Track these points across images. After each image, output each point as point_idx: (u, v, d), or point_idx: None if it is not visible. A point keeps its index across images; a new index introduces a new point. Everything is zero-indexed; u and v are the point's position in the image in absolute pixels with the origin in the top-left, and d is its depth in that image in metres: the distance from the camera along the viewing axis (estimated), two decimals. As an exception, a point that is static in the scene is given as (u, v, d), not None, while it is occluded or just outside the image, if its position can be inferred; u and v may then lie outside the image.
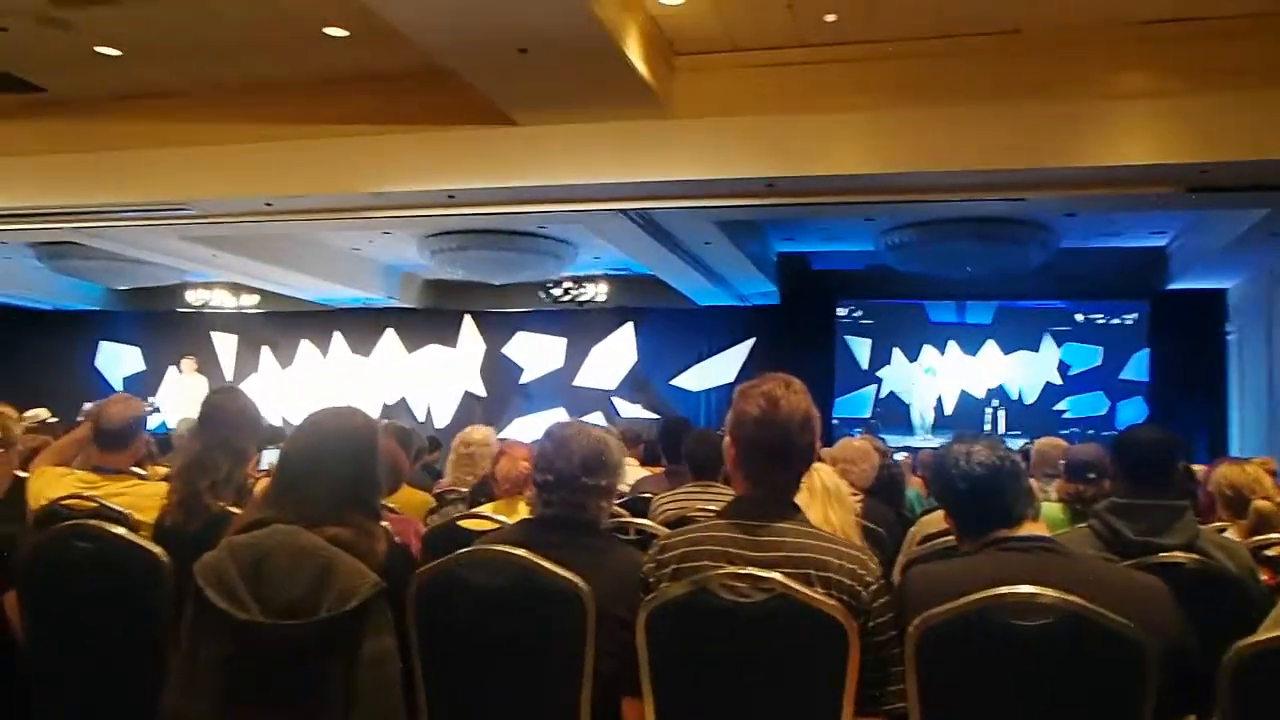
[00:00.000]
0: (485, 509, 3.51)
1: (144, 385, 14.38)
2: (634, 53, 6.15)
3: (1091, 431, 11.41)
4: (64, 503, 2.96)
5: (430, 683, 2.25)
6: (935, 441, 11.49)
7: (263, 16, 6.58)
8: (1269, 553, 3.14)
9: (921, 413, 12.87)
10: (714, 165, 7.06)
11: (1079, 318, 12.55)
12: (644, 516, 3.73)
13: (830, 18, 6.37)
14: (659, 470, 5.48)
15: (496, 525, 2.86)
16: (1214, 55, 6.20)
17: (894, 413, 12.92)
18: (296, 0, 6.34)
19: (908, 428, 12.82)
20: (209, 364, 14.26)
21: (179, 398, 12.38)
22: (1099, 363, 12.38)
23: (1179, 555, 2.70)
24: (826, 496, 3.02)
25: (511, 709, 2.23)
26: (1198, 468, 5.34)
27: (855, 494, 3.92)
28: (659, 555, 2.14)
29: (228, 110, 7.91)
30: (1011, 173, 6.74)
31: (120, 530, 2.59)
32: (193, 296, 14.36)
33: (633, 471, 5.66)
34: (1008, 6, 6.24)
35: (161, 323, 15.07)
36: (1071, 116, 6.46)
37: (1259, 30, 6.15)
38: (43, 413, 6.60)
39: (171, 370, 14.55)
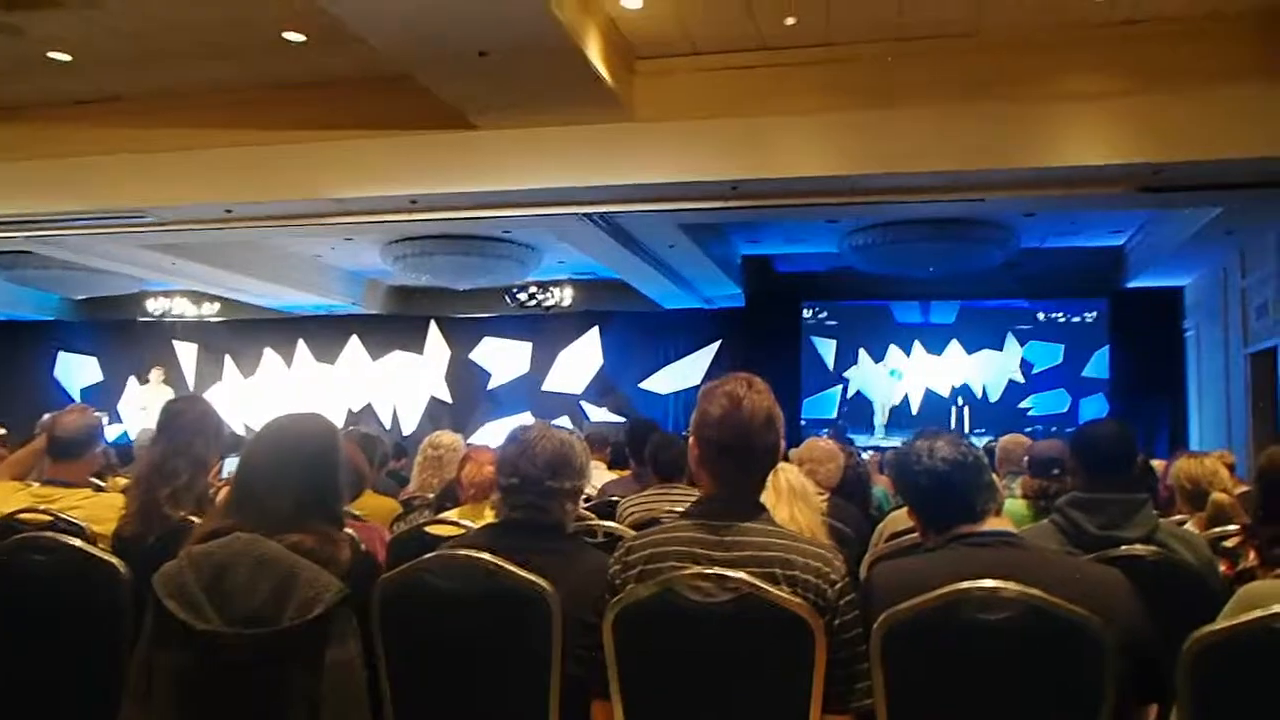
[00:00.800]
0: (451, 514, 3.49)
1: (103, 396, 14.17)
2: (595, 55, 6.15)
3: (1055, 429, 11.54)
4: (18, 517, 2.90)
5: (396, 689, 2.22)
6: (894, 441, 11.59)
7: (220, 21, 6.51)
8: (1227, 544, 3.18)
9: (878, 412, 12.98)
10: (677, 168, 7.07)
11: (1041, 316, 12.70)
12: (611, 519, 3.72)
13: (790, 21, 6.42)
14: (626, 473, 5.48)
15: (462, 530, 2.84)
16: (1166, 56, 6.31)
17: (861, 413, 13.00)
18: (254, 5, 6.28)
19: (875, 428, 12.93)
20: (171, 374, 14.07)
21: (146, 410, 12.19)
22: (1061, 361, 12.54)
23: (1139, 548, 2.74)
24: (792, 496, 3.02)
25: (479, 714, 2.21)
26: (1157, 463, 5.43)
27: (821, 493, 3.93)
28: (625, 557, 2.13)
29: (185, 116, 7.81)
30: (970, 174, 6.82)
31: (76, 542, 2.55)
32: (153, 305, 14.17)
33: (600, 474, 5.66)
34: (965, 10, 6.31)
35: (121, 332, 14.86)
36: (1028, 118, 6.55)
37: (1209, 32, 6.26)
38: None
39: (133, 381, 14.36)
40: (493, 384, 14.05)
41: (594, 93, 6.51)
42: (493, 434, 12.38)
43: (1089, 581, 2.01)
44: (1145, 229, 10.09)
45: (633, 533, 2.33)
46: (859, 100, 6.74)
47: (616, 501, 4.32)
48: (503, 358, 14.06)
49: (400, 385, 14.36)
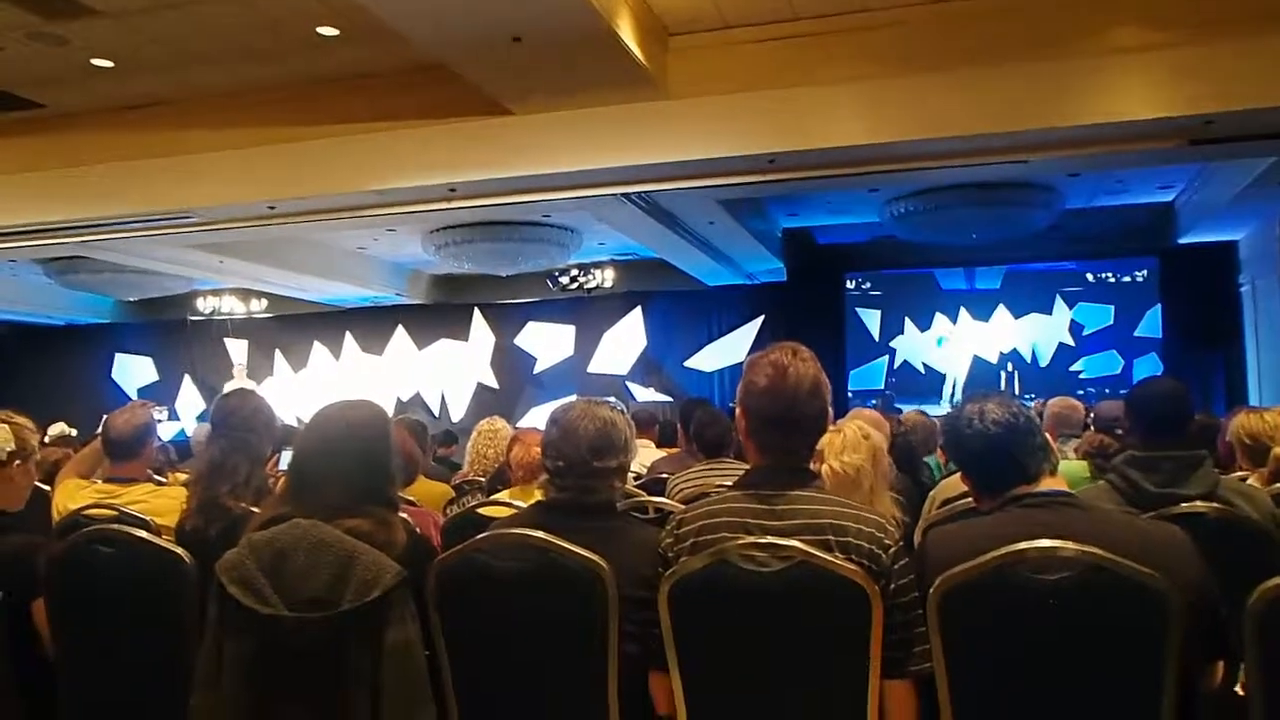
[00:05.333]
0: (501, 496, 3.52)
1: (160, 394, 14.48)
2: (627, 35, 6.11)
3: (1108, 390, 11.35)
4: (85, 513, 2.98)
5: (456, 669, 2.25)
6: (941, 410, 11.46)
7: (254, 20, 6.57)
8: (1291, 498, 3.12)
9: (953, 384, 12.80)
10: (713, 144, 7.02)
11: (1089, 277, 12.49)
12: (661, 496, 3.74)
13: (823, -12, 6.34)
14: (675, 451, 5.50)
15: (513, 510, 2.87)
16: (1211, 5, 6.12)
17: (909, 382, 12.88)
18: (287, 2, 6.33)
19: (923, 397, 12.78)
20: (222, 371, 14.34)
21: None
22: (1111, 321, 12.33)
23: (1200, 505, 2.69)
24: (874, 465, 2.95)
25: (539, 690, 2.24)
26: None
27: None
28: (676, 530, 2.14)
29: (225, 115, 7.91)
30: (1012, 135, 6.67)
31: (142, 533, 2.61)
32: (203, 304, 14.43)
33: (649, 453, 5.67)
34: (1001, -34, 6.19)
35: (173, 332, 15.16)
36: (1070, 74, 6.39)
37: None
38: (62, 426, 6.67)
39: (187, 379, 14.67)
40: (538, 368, 14.14)
41: (628, 73, 6.49)
42: (540, 418, 12.43)
43: (1150, 539, 1.98)
44: (1195, 184, 9.85)
45: (683, 507, 2.32)
46: (895, 66, 6.62)
47: (666, 478, 4.34)
48: (547, 342, 14.13)
49: (447, 373, 14.49)
